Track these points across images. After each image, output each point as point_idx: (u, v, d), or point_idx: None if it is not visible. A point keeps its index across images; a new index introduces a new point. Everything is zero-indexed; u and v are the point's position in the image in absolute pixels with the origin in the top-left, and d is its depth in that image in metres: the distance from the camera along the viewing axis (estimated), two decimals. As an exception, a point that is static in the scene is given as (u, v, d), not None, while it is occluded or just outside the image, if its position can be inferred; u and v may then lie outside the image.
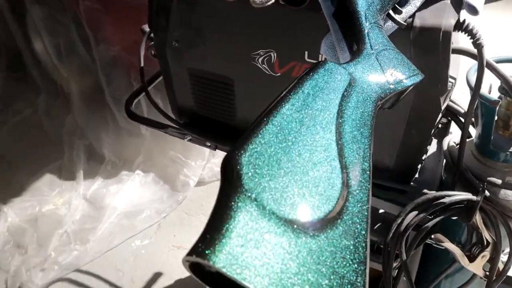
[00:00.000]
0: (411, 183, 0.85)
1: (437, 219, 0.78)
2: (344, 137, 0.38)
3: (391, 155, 0.78)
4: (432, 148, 0.94)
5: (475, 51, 0.66)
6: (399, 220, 0.78)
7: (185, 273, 1.62)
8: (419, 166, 0.85)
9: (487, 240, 0.83)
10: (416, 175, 0.87)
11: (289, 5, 0.55)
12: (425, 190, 0.81)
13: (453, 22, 0.61)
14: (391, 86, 0.45)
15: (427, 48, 0.62)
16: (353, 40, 0.50)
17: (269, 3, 0.59)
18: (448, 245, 0.82)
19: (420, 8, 0.61)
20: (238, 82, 0.85)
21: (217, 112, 0.93)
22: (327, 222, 0.33)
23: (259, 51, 0.77)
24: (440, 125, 1.02)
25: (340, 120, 0.39)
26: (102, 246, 1.76)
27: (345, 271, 0.32)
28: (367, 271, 0.34)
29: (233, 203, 0.31)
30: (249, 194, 0.32)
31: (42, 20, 2.27)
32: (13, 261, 1.73)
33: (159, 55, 0.92)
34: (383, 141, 0.77)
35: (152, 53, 0.97)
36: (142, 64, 1.06)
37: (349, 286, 0.31)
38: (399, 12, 0.58)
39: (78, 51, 2.26)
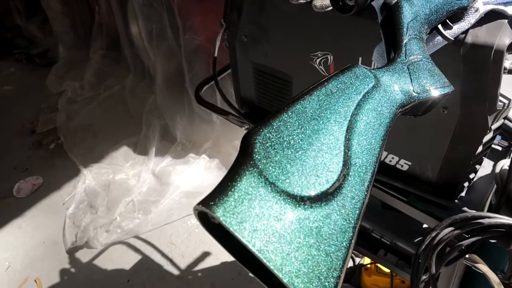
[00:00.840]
0: (456, 201, 0.85)
1: (474, 239, 0.77)
2: (354, 131, 0.42)
3: (434, 169, 0.79)
4: (487, 170, 0.92)
5: (532, 74, 0.65)
6: (433, 234, 0.78)
7: (231, 257, 1.70)
8: (466, 184, 0.84)
9: (527, 271, 0.80)
10: (463, 194, 0.86)
11: (338, 12, 0.59)
12: (465, 208, 0.80)
13: (507, 42, 0.61)
14: (415, 94, 0.47)
15: (477, 65, 0.63)
16: (392, 48, 0.52)
17: (328, 9, 0.63)
18: (484, 268, 0.80)
19: (475, 25, 0.62)
20: (296, 80, 0.89)
21: (274, 106, 0.98)
22: (319, 199, 0.37)
23: (317, 53, 0.81)
24: (500, 148, 0.99)
25: (356, 116, 0.43)
26: (161, 219, 1.90)
27: (325, 248, 0.36)
28: (348, 256, 0.38)
29: (241, 170, 0.37)
30: (257, 166, 0.37)
31: (141, 6, 2.47)
32: (84, 219, 1.93)
33: (229, 47, 0.99)
34: (427, 153, 0.78)
35: (226, 45, 1.05)
36: (215, 55, 1.14)
37: (325, 263, 0.35)
38: (449, 27, 0.59)
39: (167, 37, 2.43)
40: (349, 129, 0.42)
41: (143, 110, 2.52)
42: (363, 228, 1.09)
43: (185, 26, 2.27)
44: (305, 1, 0.73)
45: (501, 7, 0.61)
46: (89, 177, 2.14)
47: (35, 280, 1.75)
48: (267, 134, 0.40)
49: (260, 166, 0.38)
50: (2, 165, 2.39)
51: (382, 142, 0.44)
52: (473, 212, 0.78)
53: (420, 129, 0.76)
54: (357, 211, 0.39)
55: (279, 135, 0.40)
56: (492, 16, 0.62)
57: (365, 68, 0.47)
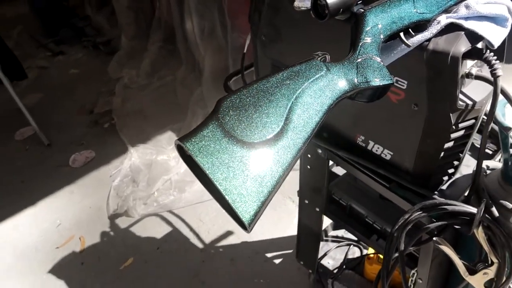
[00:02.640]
0: (436, 192, 0.95)
1: (440, 223, 0.88)
2: (298, 103, 0.56)
3: (410, 159, 0.90)
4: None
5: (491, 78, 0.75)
6: (406, 216, 0.90)
7: (251, 237, 1.86)
8: (446, 178, 0.95)
9: (491, 259, 0.89)
10: (444, 187, 0.97)
11: (317, 18, 0.72)
12: (436, 196, 0.91)
13: (462, 49, 0.72)
14: (357, 83, 0.61)
15: (437, 69, 0.74)
16: (351, 48, 0.66)
17: (302, 9, 0.78)
18: (448, 251, 0.91)
19: (437, 35, 0.73)
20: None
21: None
22: (260, 145, 0.53)
23: (318, 53, 0.95)
24: (490, 151, 1.08)
25: (302, 93, 0.57)
26: (193, 198, 2.09)
27: (259, 179, 0.51)
28: (275, 189, 0.53)
29: (208, 121, 0.54)
30: (218, 120, 0.54)
31: (196, 5, 2.69)
32: (126, 191, 2.17)
33: (252, 45, 1.15)
34: (404, 145, 0.90)
35: (254, 43, 1.21)
36: (245, 50, 1.30)
37: (256, 188, 0.50)
38: (411, 35, 0.71)
39: (217, 35, 2.63)
40: (294, 102, 0.57)
41: (190, 100, 2.73)
42: (359, 214, 1.20)
43: (233, 25, 2.46)
44: (306, 8, 0.87)
45: (460, 21, 0.73)
46: (135, 156, 2.38)
47: (79, 238, 2.00)
48: (231, 100, 0.56)
49: (221, 120, 0.54)
50: (63, 139, 2.69)
51: (322, 115, 0.58)
52: (441, 200, 0.89)
53: (398, 122, 0.88)
54: (289, 159, 0.54)
55: (239, 101, 0.56)
56: (452, 28, 0.73)
57: (320, 61, 0.62)
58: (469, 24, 0.72)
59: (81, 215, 2.13)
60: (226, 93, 1.31)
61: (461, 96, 0.80)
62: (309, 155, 1.16)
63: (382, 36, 0.67)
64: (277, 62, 1.09)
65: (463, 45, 0.72)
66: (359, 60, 0.63)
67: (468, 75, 0.79)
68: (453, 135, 0.83)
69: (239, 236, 1.88)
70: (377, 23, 0.67)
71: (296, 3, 0.92)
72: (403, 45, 0.71)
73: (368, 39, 0.66)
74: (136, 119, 2.74)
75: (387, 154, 0.94)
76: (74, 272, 1.86)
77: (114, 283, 1.79)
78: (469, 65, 0.81)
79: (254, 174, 0.52)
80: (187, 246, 1.89)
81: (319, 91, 0.59)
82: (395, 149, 0.92)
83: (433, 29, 0.73)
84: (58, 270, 1.87)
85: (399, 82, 0.82)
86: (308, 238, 1.41)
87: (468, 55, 0.75)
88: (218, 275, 1.75)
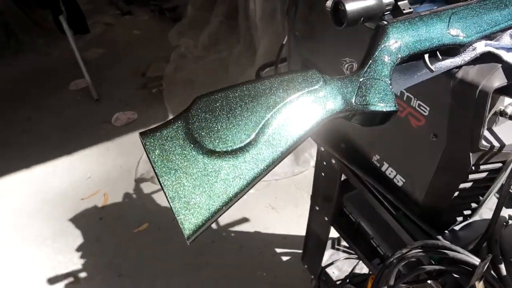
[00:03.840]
0: (445, 232, 0.87)
1: (437, 267, 0.80)
2: (277, 115, 0.51)
3: (421, 191, 0.82)
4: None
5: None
6: (404, 251, 0.83)
7: (267, 229, 1.83)
8: (460, 219, 0.86)
9: (490, 317, 0.81)
10: (457, 228, 0.88)
11: (335, 24, 0.66)
12: (440, 237, 0.83)
13: (495, 84, 0.63)
14: (354, 105, 0.55)
15: (463, 101, 0.66)
16: (362, 62, 0.59)
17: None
18: (443, 298, 0.83)
19: (470, 63, 0.65)
20: (328, 79, 0.97)
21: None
22: (222, 155, 0.49)
23: (346, 58, 0.88)
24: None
25: (287, 105, 0.52)
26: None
27: (212, 191, 0.47)
28: (228, 205, 0.49)
29: (176, 118, 0.50)
30: (186, 119, 0.50)
31: (261, -16, 2.64)
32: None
33: (287, 39, 1.10)
34: (417, 174, 0.82)
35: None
36: (284, 42, 1.25)
37: (206, 202, 0.47)
38: (438, 59, 0.63)
39: (277, 20, 2.57)
40: (274, 113, 0.52)
41: (239, 79, 2.71)
42: (366, 233, 1.13)
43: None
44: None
45: (500, 52, 0.63)
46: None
47: (104, 194, 2.07)
48: (208, 100, 0.52)
49: (189, 120, 0.50)
50: (111, 96, 2.78)
51: (304, 133, 0.53)
52: (444, 242, 0.80)
53: (415, 149, 0.80)
54: (251, 175, 0.50)
55: (215, 103, 0.52)
56: (488, 58, 0.64)
57: (318, 73, 0.56)
58: (509, 57, 0.63)
59: (110, 172, 2.19)
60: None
61: (487, 134, 0.71)
62: (324, 163, 1.10)
63: (400, 55, 0.60)
64: (307, 60, 1.03)
65: (498, 80, 0.63)
66: (363, 78, 0.57)
67: (502, 114, 0.70)
68: (471, 176, 0.75)
69: (253, 225, 1.86)
70: (398, 40, 0.60)
71: (328, 3, 0.86)
72: (426, 69, 0.64)
73: (382, 57, 0.59)
74: (184, 89, 2.77)
75: (399, 180, 0.87)
76: (92, 225, 1.94)
77: (126, 244, 1.84)
78: (507, 103, 0.71)
79: (207, 185, 0.49)
80: (201, 224, 1.90)
81: (307, 106, 0.53)
82: (408, 176, 0.85)
83: (466, 56, 0.64)
84: (78, 221, 1.96)
85: (421, 107, 0.74)
86: (314, 244, 1.36)
87: (504, 91, 0.66)
88: (224, 258, 1.75)
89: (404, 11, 0.65)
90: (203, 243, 1.81)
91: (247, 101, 0.52)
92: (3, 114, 2.70)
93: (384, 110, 0.55)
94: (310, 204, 1.27)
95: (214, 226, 1.89)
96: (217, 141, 0.49)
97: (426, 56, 0.63)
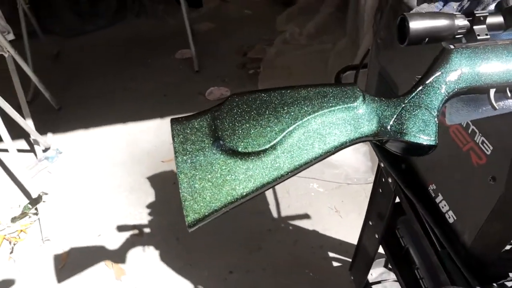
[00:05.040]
0: (494, 285, 0.79)
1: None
2: (305, 125, 0.50)
3: (471, 234, 0.75)
4: None
5: None
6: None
7: (325, 230, 1.81)
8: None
9: None
10: (510, 284, 0.79)
11: (398, 40, 0.61)
12: (482, 289, 0.75)
13: None
14: (389, 130, 0.51)
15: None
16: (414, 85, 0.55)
17: None
18: None
19: (547, 109, 0.57)
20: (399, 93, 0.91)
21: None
22: (240, 155, 0.49)
23: (420, 76, 0.82)
24: None
25: (316, 116, 0.51)
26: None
27: (226, 187, 0.49)
28: (235, 203, 0.49)
29: (207, 111, 0.53)
30: (216, 116, 0.52)
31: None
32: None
33: (372, 44, 1.05)
34: (470, 216, 0.75)
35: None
36: (369, 47, 1.20)
37: (215, 196, 0.48)
38: (506, 97, 0.56)
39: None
40: (302, 124, 0.51)
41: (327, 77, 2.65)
42: (413, 261, 1.07)
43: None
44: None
45: None
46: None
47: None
48: (241, 99, 0.53)
49: (217, 116, 0.52)
50: (211, 69, 2.90)
51: (327, 150, 0.51)
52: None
53: (472, 187, 0.73)
54: (262, 181, 0.50)
55: (247, 103, 0.53)
56: None
57: (359, 90, 0.53)
58: None
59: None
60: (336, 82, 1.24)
61: (557, 191, 0.62)
62: (383, 179, 1.05)
63: (458, 87, 0.55)
64: (384, 71, 0.98)
65: None
66: (407, 104, 0.53)
67: None
68: (530, 232, 0.66)
69: (313, 223, 1.84)
70: (459, 69, 0.55)
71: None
72: (490, 106, 0.57)
73: (436, 85, 0.54)
74: (279, 75, 2.78)
75: (451, 216, 0.80)
76: (166, 187, 2.07)
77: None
78: None
79: (218, 181, 0.50)
80: (262, 209, 1.93)
81: (338, 122, 0.51)
82: (460, 214, 0.78)
83: (544, 100, 0.56)
84: (154, 180, 2.10)
85: (485, 144, 0.67)
86: (362, 257, 1.31)
87: None
88: (276, 248, 1.76)
89: (479, 37, 0.59)
90: (261, 228, 1.85)
91: (277, 107, 0.52)
92: (112, 70, 2.97)
93: (421, 142, 0.51)
94: (364, 217, 1.22)
95: (274, 215, 1.91)
96: (237, 141, 0.50)
97: (492, 91, 0.56)
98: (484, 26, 0.59)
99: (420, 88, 0.54)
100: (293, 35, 3.11)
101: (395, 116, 0.52)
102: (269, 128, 0.50)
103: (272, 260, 1.73)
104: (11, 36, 2.24)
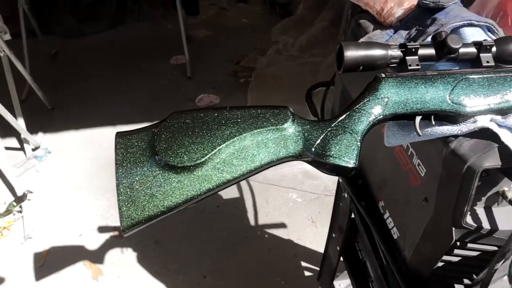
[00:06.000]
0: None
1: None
2: (237, 143, 0.54)
3: (409, 251, 0.79)
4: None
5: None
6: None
7: (301, 240, 1.84)
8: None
9: None
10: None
11: (336, 66, 0.65)
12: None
13: (486, 164, 0.58)
14: (313, 152, 0.55)
15: (451, 173, 0.62)
16: (344, 110, 0.59)
17: None
18: None
19: (468, 135, 0.61)
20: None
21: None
22: (173, 169, 0.54)
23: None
24: None
25: (245, 137, 0.55)
26: (272, 179, 2.13)
27: (156, 197, 0.53)
28: (151, 220, 0.53)
29: (150, 127, 0.57)
30: (158, 130, 0.56)
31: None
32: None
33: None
34: (408, 234, 0.78)
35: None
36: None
37: (147, 206, 0.52)
38: (430, 124, 0.60)
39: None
40: (233, 142, 0.55)
41: (325, 87, 2.70)
42: (369, 274, 1.10)
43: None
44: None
45: (503, 131, 0.58)
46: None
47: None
48: (179, 117, 0.57)
49: (157, 131, 0.56)
50: (203, 76, 2.95)
51: (256, 167, 0.55)
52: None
53: (410, 207, 0.77)
54: (193, 193, 0.54)
55: (184, 122, 0.57)
56: (487, 134, 0.59)
57: (290, 112, 0.57)
58: (509, 139, 0.58)
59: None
60: (305, 100, 1.28)
61: (481, 213, 0.66)
62: (344, 194, 1.09)
63: (383, 114, 0.59)
64: (345, 90, 1.02)
65: (490, 161, 0.59)
66: (333, 128, 0.57)
67: (503, 196, 0.65)
68: (458, 251, 0.70)
69: (289, 233, 1.88)
70: (387, 97, 0.59)
71: (361, 40, 0.84)
72: (428, 131, 0.61)
73: (363, 111, 0.58)
74: (269, 85, 2.83)
75: (395, 233, 0.84)
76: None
77: (168, 217, 1.97)
78: (513, 185, 0.65)
79: (153, 191, 0.54)
80: (241, 217, 1.96)
81: (268, 143, 0.55)
82: (402, 232, 0.82)
83: (465, 127, 0.60)
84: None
85: (420, 167, 0.71)
86: (328, 268, 1.35)
87: (507, 172, 0.61)
88: (251, 256, 1.80)
89: (410, 67, 0.63)
90: (238, 235, 1.88)
91: (211, 126, 0.56)
92: (107, 73, 3.03)
93: (340, 164, 0.55)
94: (329, 229, 1.26)
95: (252, 222, 1.94)
96: (172, 156, 0.54)
97: (418, 118, 0.61)
98: (416, 57, 0.63)
99: (348, 113, 0.58)
100: (285, 46, 3.16)
101: (320, 139, 0.56)
102: (202, 145, 0.55)
103: (246, 266, 1.76)
104: (7, 36, 2.29)
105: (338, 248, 1.19)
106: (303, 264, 1.75)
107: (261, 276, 1.72)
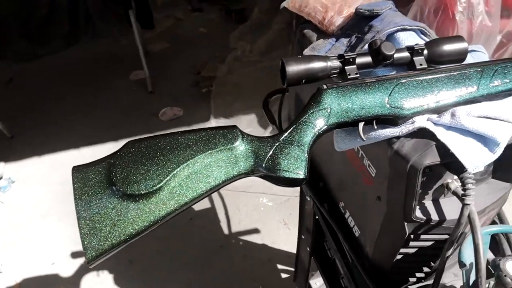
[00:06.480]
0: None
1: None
2: (190, 167, 0.56)
3: (371, 247, 0.82)
4: None
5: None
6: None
7: (275, 243, 1.87)
8: (414, 280, 0.85)
9: None
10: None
11: (281, 80, 0.69)
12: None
13: (426, 162, 0.62)
14: (264, 166, 0.58)
15: (397, 172, 0.66)
16: (290, 124, 0.62)
17: None
18: None
19: (408, 136, 0.65)
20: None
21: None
22: (130, 197, 0.55)
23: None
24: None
25: (199, 160, 0.57)
26: (241, 185, 2.14)
27: (116, 226, 0.54)
28: (124, 243, 0.55)
29: (105, 158, 0.58)
30: (113, 160, 0.57)
31: None
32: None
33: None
34: (369, 231, 0.82)
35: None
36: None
37: (108, 235, 0.53)
38: (372, 129, 0.64)
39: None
40: (186, 166, 0.57)
41: (285, 89, 2.74)
42: (338, 271, 1.14)
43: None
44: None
45: (439, 129, 0.62)
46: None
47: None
48: (133, 146, 0.59)
49: (113, 162, 0.57)
50: (164, 90, 2.94)
51: (211, 188, 0.57)
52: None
53: (366, 206, 0.81)
54: (152, 219, 0.55)
55: (139, 151, 0.59)
56: (425, 133, 0.63)
57: (239, 131, 0.60)
58: (444, 136, 0.62)
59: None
60: (262, 107, 1.31)
61: (430, 206, 0.71)
62: (307, 198, 1.12)
63: (329, 122, 0.62)
64: (298, 96, 1.05)
65: (430, 158, 0.63)
66: (281, 143, 0.60)
67: (447, 187, 0.69)
68: (413, 243, 0.74)
69: (262, 237, 1.91)
70: (329, 107, 0.62)
71: (305, 52, 0.88)
72: (373, 134, 0.65)
73: (308, 123, 0.61)
74: (231, 92, 2.85)
75: (356, 231, 0.88)
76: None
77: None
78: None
79: (114, 221, 0.55)
80: (214, 227, 1.98)
81: (220, 163, 0.58)
82: (363, 230, 0.85)
83: (404, 129, 0.64)
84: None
85: (370, 167, 0.75)
86: (301, 268, 1.38)
87: (447, 165, 0.66)
88: (227, 264, 1.82)
89: (350, 76, 0.66)
90: (212, 246, 1.89)
91: (165, 152, 0.58)
92: (66, 95, 2.98)
93: (290, 177, 0.58)
94: (298, 231, 1.29)
95: (225, 231, 1.96)
96: (129, 185, 0.55)
97: (361, 124, 0.64)
98: (354, 66, 0.67)
99: (294, 126, 0.61)
100: (244, 52, 3.19)
101: (270, 154, 0.59)
102: (157, 172, 0.56)
103: (222, 276, 1.78)
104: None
105: (308, 249, 1.22)
106: (279, 266, 1.78)
107: (239, 283, 1.74)
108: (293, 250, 1.83)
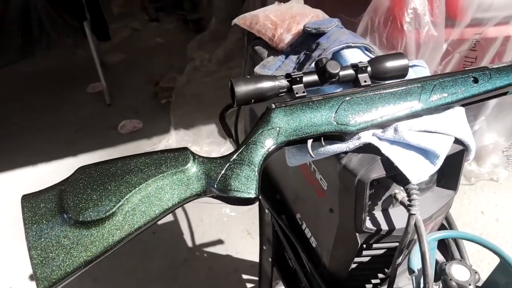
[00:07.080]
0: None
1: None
2: (142, 191, 0.56)
3: (327, 257, 0.85)
4: None
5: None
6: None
7: (238, 254, 1.88)
8: (370, 286, 0.88)
9: None
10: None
11: (232, 101, 0.70)
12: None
13: (372, 176, 0.65)
14: (215, 188, 0.59)
15: (346, 186, 0.69)
16: (241, 144, 0.63)
17: None
18: None
19: (355, 151, 0.67)
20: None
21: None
22: (82, 224, 0.54)
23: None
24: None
25: (151, 183, 0.57)
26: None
27: (69, 254, 0.53)
28: (78, 270, 0.54)
29: (56, 186, 0.57)
30: (65, 187, 0.56)
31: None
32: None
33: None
34: (324, 242, 0.85)
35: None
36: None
37: (61, 264, 0.53)
38: (321, 145, 0.66)
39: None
40: (138, 190, 0.57)
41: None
42: (300, 281, 1.16)
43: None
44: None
45: (383, 144, 0.65)
46: (173, 138, 2.49)
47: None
48: (83, 172, 0.58)
49: (64, 189, 0.56)
50: (123, 102, 2.90)
51: (164, 210, 0.57)
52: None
53: (321, 218, 0.83)
54: (106, 245, 0.55)
55: (90, 177, 0.58)
56: (371, 148, 0.66)
57: (190, 153, 0.61)
58: (388, 150, 0.65)
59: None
60: (219, 121, 1.32)
61: (379, 216, 0.73)
62: (266, 210, 1.14)
63: (278, 141, 0.64)
64: (252, 110, 1.07)
65: (376, 172, 0.66)
66: (232, 163, 0.61)
67: (395, 197, 0.72)
68: (366, 252, 0.77)
69: (226, 248, 1.91)
70: (278, 126, 0.64)
71: (256, 69, 0.90)
72: (322, 150, 0.67)
73: (258, 142, 0.63)
74: (190, 103, 2.84)
75: (313, 242, 0.90)
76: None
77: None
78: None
79: (66, 249, 0.54)
80: (178, 240, 1.96)
81: (172, 185, 0.58)
82: (319, 241, 0.88)
83: (351, 144, 0.67)
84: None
85: (322, 181, 0.77)
86: (265, 278, 1.39)
87: (393, 177, 0.69)
88: (192, 277, 1.81)
89: (297, 94, 0.68)
90: (177, 259, 1.88)
91: (116, 176, 0.58)
92: (20, 109, 2.88)
93: (241, 197, 0.59)
94: (259, 242, 1.31)
95: (189, 244, 1.95)
96: (80, 212, 0.55)
97: (310, 141, 0.66)
98: (301, 85, 0.69)
99: (244, 146, 0.62)
100: (202, 62, 3.20)
101: (221, 174, 0.60)
102: (109, 197, 0.56)
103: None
104: None
105: (270, 259, 1.24)
106: (244, 276, 1.79)
107: (205, 296, 1.74)
108: (257, 259, 1.85)
